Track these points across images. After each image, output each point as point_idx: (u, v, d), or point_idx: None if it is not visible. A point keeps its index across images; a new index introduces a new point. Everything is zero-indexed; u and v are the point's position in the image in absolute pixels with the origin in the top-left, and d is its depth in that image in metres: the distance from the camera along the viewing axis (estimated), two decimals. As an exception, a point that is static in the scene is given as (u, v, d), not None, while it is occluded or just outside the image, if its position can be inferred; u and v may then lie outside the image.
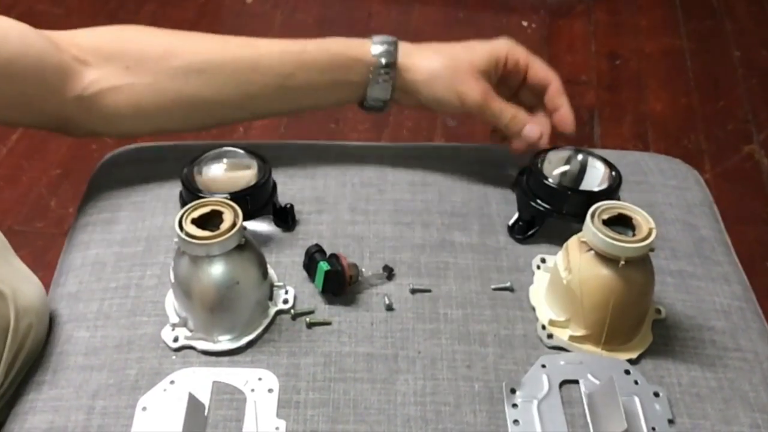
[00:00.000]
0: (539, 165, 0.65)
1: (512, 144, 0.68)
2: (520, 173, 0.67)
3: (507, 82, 0.69)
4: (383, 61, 0.66)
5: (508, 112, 0.66)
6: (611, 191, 0.63)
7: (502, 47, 0.68)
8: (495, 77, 0.68)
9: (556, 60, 1.80)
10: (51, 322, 0.60)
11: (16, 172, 1.50)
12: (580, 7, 1.97)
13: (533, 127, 0.67)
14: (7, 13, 0.63)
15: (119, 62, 0.65)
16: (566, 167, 0.65)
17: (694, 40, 1.87)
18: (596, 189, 0.63)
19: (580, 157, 0.65)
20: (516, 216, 0.66)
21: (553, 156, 0.65)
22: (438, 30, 1.89)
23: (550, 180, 0.63)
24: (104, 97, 0.65)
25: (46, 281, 0.63)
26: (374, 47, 0.66)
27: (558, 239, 0.61)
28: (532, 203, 0.64)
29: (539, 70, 0.68)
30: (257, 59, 0.66)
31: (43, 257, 1.29)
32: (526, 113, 0.68)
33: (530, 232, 0.65)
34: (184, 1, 1.93)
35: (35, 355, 0.58)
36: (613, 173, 0.64)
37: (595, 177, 0.64)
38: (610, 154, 0.74)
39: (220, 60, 0.66)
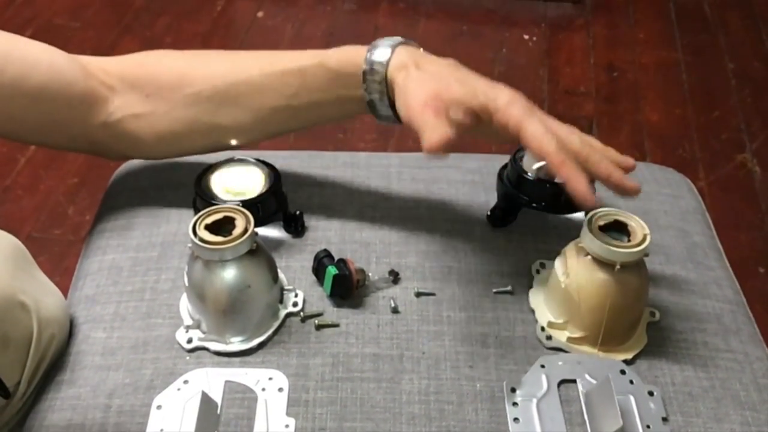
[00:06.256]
0: (519, 159, 0.66)
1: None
2: (503, 167, 0.69)
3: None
4: (375, 77, 0.60)
5: (431, 121, 0.53)
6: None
7: (493, 101, 0.55)
8: (465, 118, 0.55)
9: (557, 72, 1.83)
10: (69, 324, 0.62)
11: (34, 181, 1.52)
12: (580, 20, 2.00)
13: (435, 135, 0.52)
14: (26, 26, 0.65)
15: (140, 90, 0.65)
16: (544, 162, 0.66)
17: (689, 53, 1.90)
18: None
19: None
20: (495, 205, 0.69)
21: None
22: (442, 43, 1.91)
23: (529, 174, 0.65)
24: (127, 123, 0.66)
25: (64, 286, 0.64)
26: (369, 55, 0.60)
27: (556, 245, 0.63)
28: (511, 195, 0.67)
29: (532, 141, 0.54)
30: (262, 82, 0.65)
31: (61, 263, 1.31)
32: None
33: (505, 221, 0.68)
34: (197, 14, 1.96)
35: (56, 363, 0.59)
36: None
37: None
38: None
39: (228, 84, 0.65)
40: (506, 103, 0.55)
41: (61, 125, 0.65)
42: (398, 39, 0.62)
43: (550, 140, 0.54)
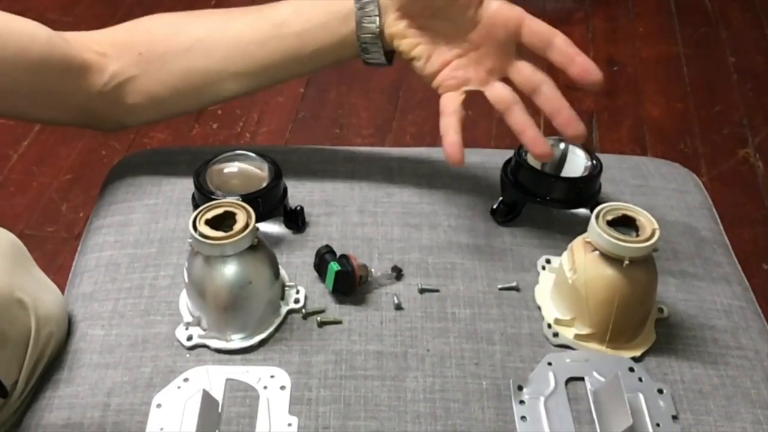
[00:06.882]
0: (524, 153, 0.66)
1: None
2: (507, 161, 0.69)
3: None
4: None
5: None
6: (592, 178, 0.65)
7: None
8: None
9: (556, 66, 1.83)
10: (68, 322, 0.61)
11: (27, 178, 1.51)
12: (579, 14, 1.99)
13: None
14: (17, 18, 0.64)
15: (133, 49, 0.66)
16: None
17: (690, 47, 1.89)
18: (577, 175, 0.65)
19: (561, 145, 0.67)
20: (499, 200, 0.68)
21: None
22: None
23: (534, 168, 0.65)
24: (122, 88, 0.66)
25: (58, 284, 0.63)
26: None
27: (562, 240, 0.62)
28: (516, 189, 0.66)
29: (539, 27, 0.60)
30: (262, 38, 0.65)
31: (55, 261, 1.31)
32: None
33: (510, 216, 0.67)
34: (192, 9, 1.94)
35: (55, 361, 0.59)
36: (594, 161, 0.66)
37: (577, 164, 0.66)
38: (612, 159, 0.75)
39: (222, 31, 0.66)
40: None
41: (60, 97, 0.66)
42: None
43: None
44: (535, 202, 0.66)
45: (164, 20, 0.69)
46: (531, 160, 0.66)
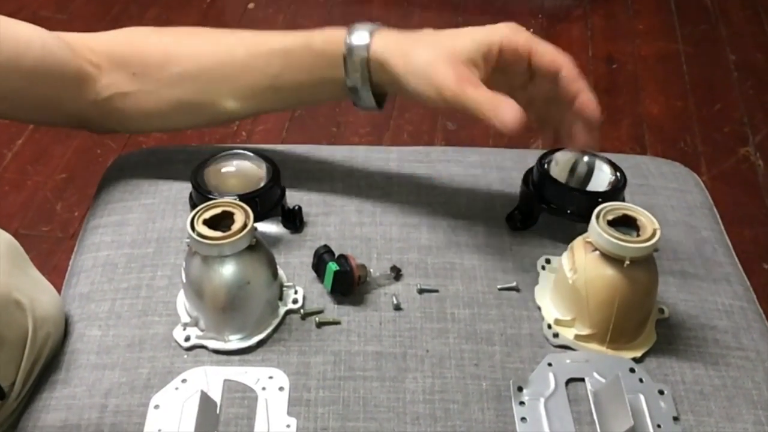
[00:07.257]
0: (545, 166, 0.65)
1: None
2: (529, 171, 0.67)
3: (510, 72, 0.60)
4: (355, 59, 0.61)
5: (485, 97, 0.56)
6: (616, 192, 0.64)
7: (496, 34, 0.59)
8: (486, 67, 0.59)
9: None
10: (64, 322, 0.60)
11: (21, 177, 1.51)
12: (578, 11, 1.99)
13: (507, 108, 0.55)
14: (12, 18, 0.64)
15: (127, 69, 0.66)
16: (573, 169, 0.65)
17: (690, 44, 1.89)
18: (602, 190, 0.64)
19: (586, 159, 0.65)
20: (516, 206, 0.67)
21: (561, 157, 0.65)
22: (437, 34, 1.91)
23: (558, 180, 0.64)
24: (115, 101, 0.66)
25: (53, 284, 0.63)
26: (348, 38, 0.61)
27: (562, 240, 0.62)
28: (537, 202, 0.65)
29: (545, 55, 0.58)
30: (247, 62, 0.65)
31: (50, 260, 1.30)
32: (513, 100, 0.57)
33: (528, 223, 0.66)
34: (187, 6, 1.94)
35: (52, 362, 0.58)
36: (618, 174, 0.65)
37: (601, 179, 0.65)
38: (611, 158, 0.75)
39: (213, 64, 0.66)
40: (511, 28, 0.59)
41: (54, 103, 0.66)
42: (375, 25, 0.62)
43: (565, 57, 0.59)
44: (556, 215, 0.64)
45: (159, 42, 0.68)
46: (555, 173, 0.64)
